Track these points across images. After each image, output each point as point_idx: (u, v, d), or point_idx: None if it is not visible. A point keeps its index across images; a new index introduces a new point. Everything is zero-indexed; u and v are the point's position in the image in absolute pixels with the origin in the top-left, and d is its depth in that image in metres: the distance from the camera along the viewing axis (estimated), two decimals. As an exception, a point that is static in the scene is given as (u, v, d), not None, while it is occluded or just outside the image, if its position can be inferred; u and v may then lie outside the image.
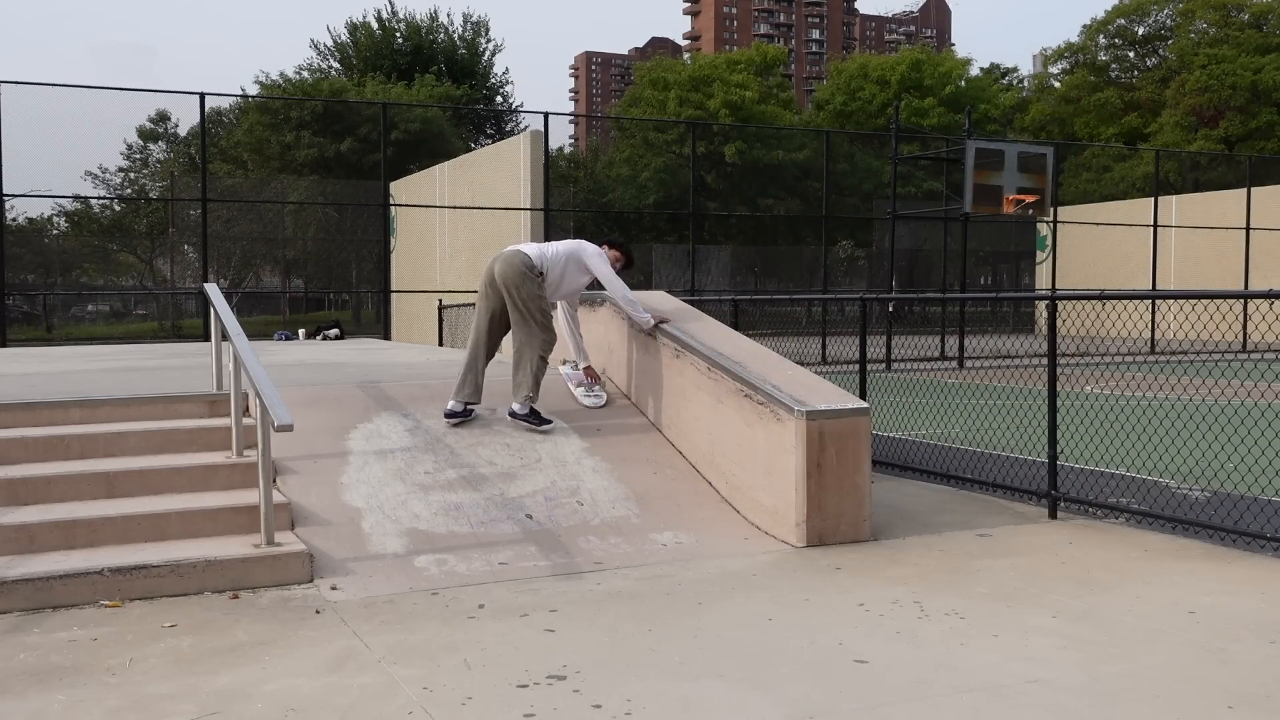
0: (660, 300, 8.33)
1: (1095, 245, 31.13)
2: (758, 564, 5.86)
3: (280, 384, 6.26)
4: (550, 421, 7.27)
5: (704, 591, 5.30)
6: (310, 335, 28.64)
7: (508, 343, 7.56)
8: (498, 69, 56.04)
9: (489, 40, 49.12)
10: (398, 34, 47.46)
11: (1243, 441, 8.29)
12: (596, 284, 7.74)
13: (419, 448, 6.79)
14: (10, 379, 8.59)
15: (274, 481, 6.07)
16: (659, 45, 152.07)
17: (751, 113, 43.82)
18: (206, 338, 12.17)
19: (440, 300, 20.05)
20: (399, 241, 23.52)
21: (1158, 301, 24.49)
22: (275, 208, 35.54)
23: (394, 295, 21.98)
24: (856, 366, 9.05)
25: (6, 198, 17.49)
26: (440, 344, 19.21)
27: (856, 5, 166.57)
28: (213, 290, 7.35)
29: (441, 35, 48.17)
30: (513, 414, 7.24)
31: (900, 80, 46.98)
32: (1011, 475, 7.62)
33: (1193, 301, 8.95)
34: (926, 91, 46.52)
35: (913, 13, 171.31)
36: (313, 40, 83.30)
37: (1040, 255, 31.91)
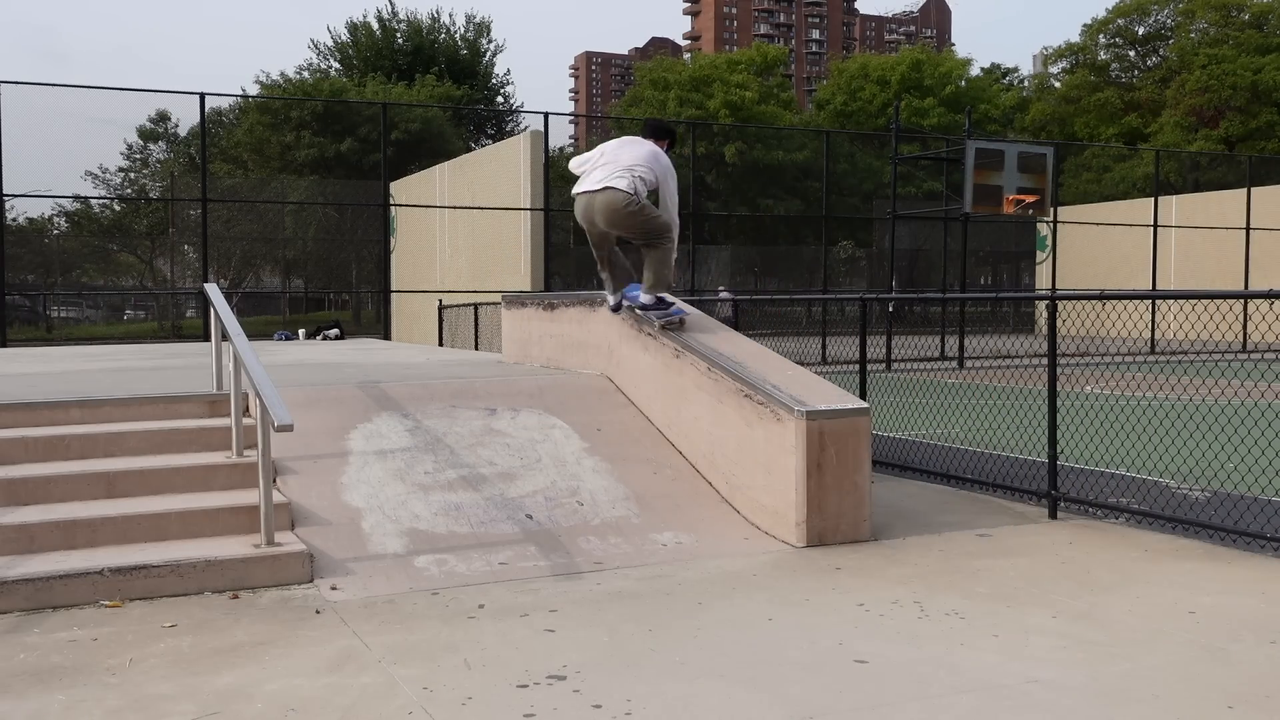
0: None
1: (1095, 245, 31.14)
2: (758, 564, 5.86)
3: (280, 384, 6.26)
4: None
5: (704, 591, 5.30)
6: (310, 335, 28.66)
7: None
8: (499, 69, 56.06)
9: (490, 41, 49.18)
10: (398, 34, 47.48)
11: (1243, 441, 8.29)
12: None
13: (419, 448, 6.79)
14: (10, 379, 8.60)
15: (274, 481, 6.07)
16: (659, 45, 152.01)
17: (751, 113, 43.83)
18: (206, 338, 12.18)
19: (440, 300, 20.07)
20: (399, 241, 23.52)
21: (1158, 301, 24.49)
22: (275, 208, 35.56)
23: (394, 295, 21.98)
24: (856, 366, 9.05)
25: (6, 198, 17.50)
26: (440, 344, 19.22)
27: (856, 5, 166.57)
28: (213, 290, 7.35)
29: (443, 35, 48.20)
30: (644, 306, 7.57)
31: (900, 80, 47.00)
32: (1011, 475, 7.62)
33: (1193, 301, 8.96)
34: (926, 91, 46.54)
35: (913, 13, 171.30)
36: (312, 40, 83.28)
37: (1040, 255, 31.92)
